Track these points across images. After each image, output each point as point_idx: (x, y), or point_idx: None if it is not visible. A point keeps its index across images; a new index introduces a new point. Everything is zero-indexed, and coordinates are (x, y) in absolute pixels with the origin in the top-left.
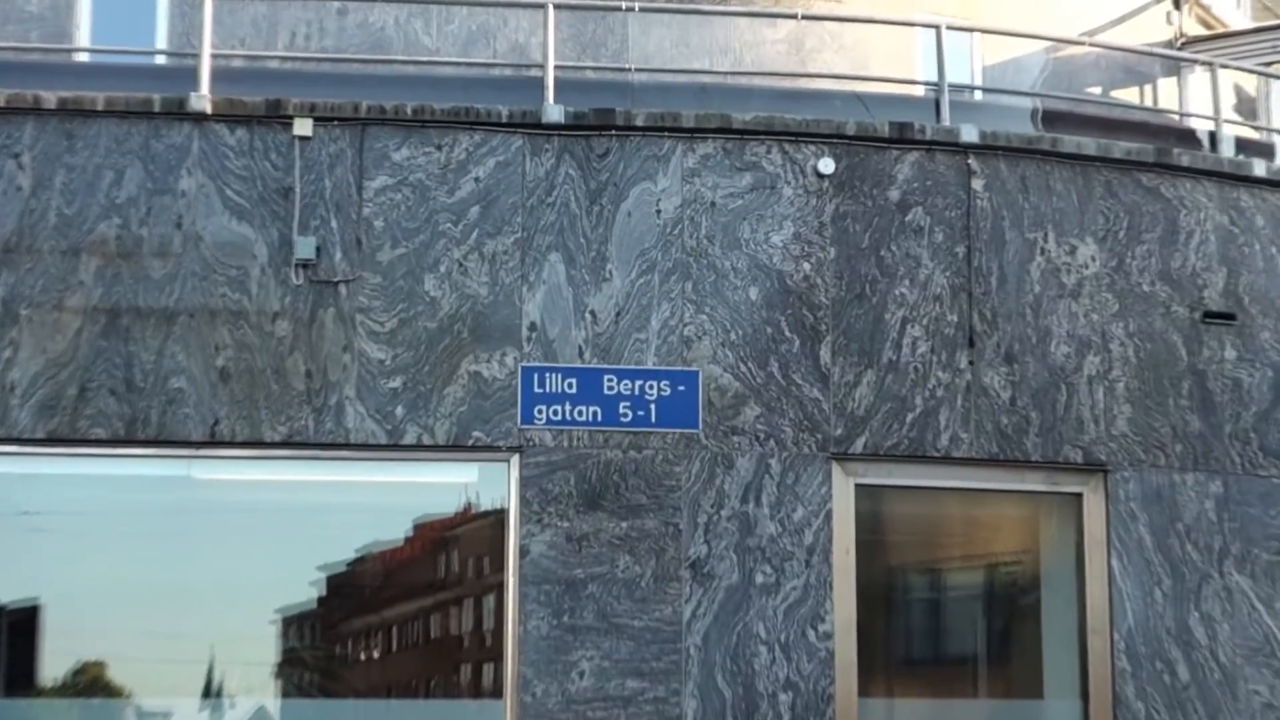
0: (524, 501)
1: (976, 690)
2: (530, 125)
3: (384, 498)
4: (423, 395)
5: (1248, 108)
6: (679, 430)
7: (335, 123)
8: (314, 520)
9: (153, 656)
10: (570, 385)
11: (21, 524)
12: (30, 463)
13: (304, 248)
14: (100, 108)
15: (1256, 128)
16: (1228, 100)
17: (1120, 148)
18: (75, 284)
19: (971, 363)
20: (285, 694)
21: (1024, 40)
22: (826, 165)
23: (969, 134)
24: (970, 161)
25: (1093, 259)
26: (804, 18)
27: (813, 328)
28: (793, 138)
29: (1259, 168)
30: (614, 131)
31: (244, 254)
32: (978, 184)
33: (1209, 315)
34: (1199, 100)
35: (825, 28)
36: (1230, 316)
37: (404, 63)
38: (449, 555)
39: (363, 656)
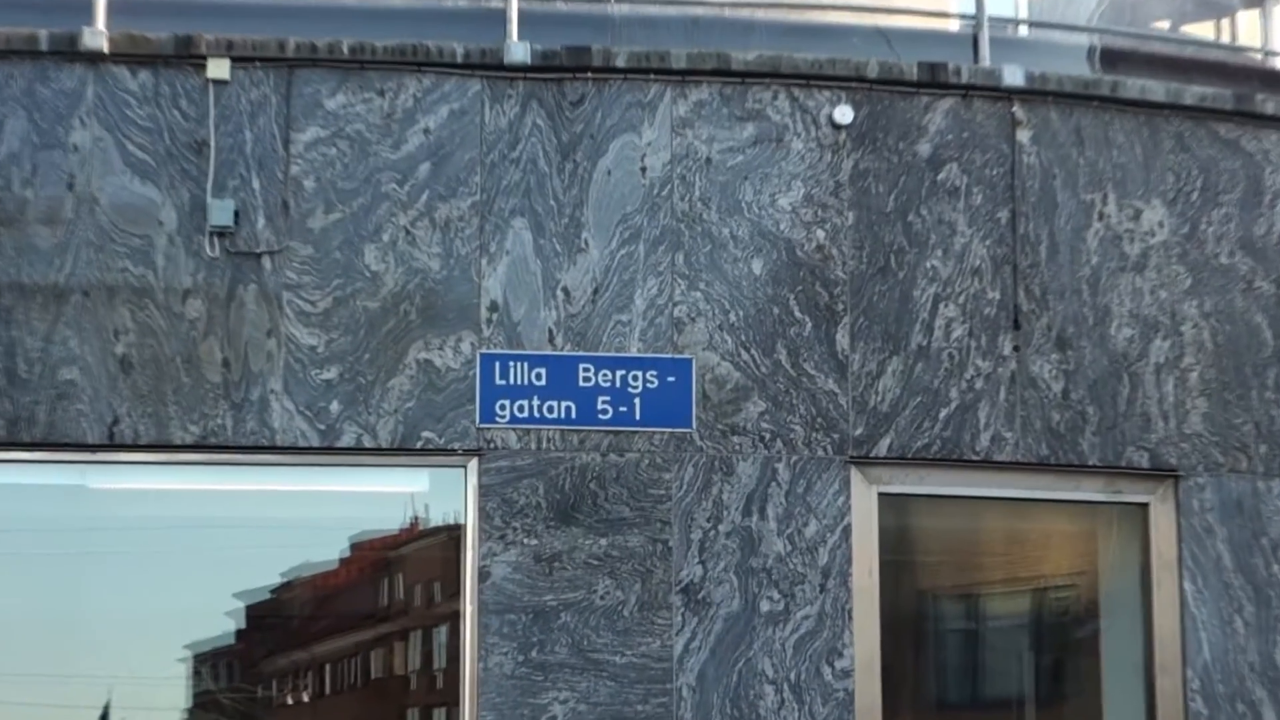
0: (484, 514)
1: None
2: (490, 66)
3: (316, 511)
4: (362, 388)
5: None
6: (668, 429)
7: (257, 64)
8: (233, 538)
9: (39, 701)
10: (539, 376)
11: None
12: None
13: (220, 213)
14: None
15: None
16: None
17: (1193, 93)
18: None
19: (1016, 348)
20: None
21: None
22: (843, 114)
23: (1013, 76)
24: (1015, 109)
25: (1160, 225)
26: None
27: (828, 307)
28: (803, 81)
29: None
30: (590, 74)
31: (148, 220)
32: (1024, 136)
33: None
34: None
35: None
36: None
37: None
38: (394, 579)
39: (290, 700)
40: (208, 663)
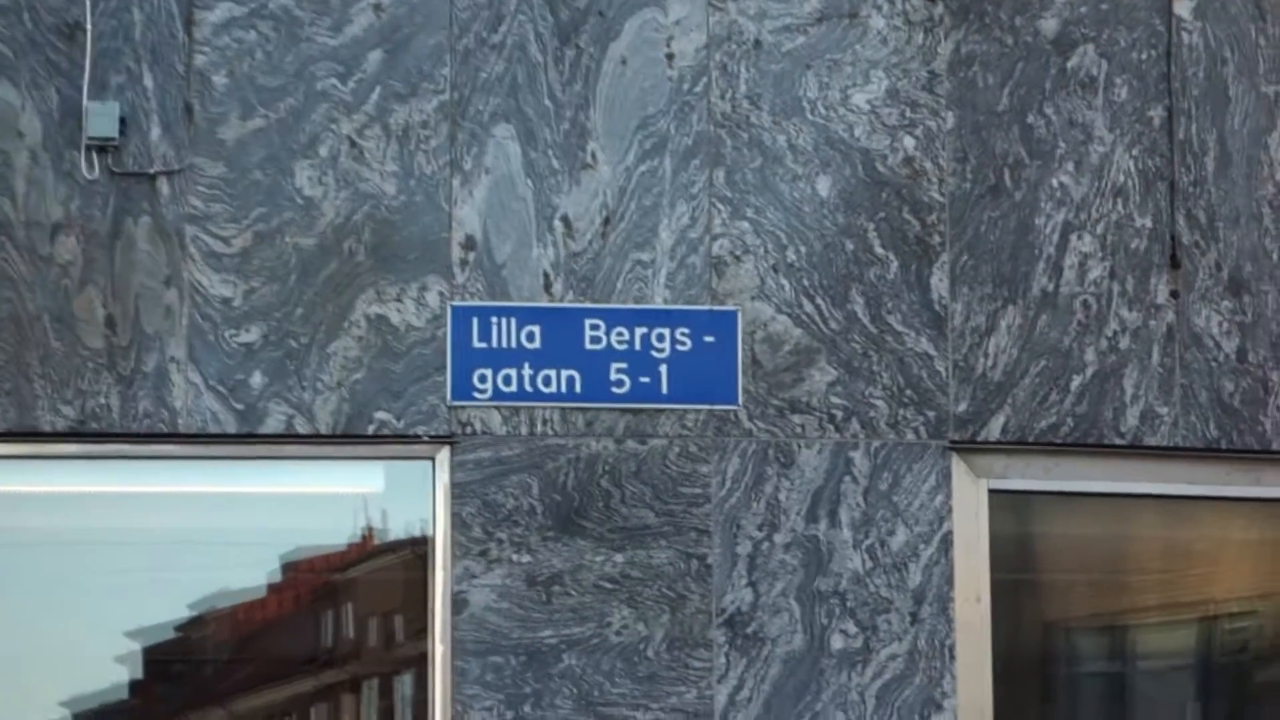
0: (458, 523)
1: None
2: None
3: (234, 520)
4: (294, 355)
5: None
6: (706, 406)
7: None
8: (123, 558)
9: None
10: (531, 336)
11: None
12: None
13: (101, 120)
14: None
15: None
16: None
17: None
18: None
19: (1175, 294)
20: None
21: None
22: None
23: None
24: None
25: None
26: None
27: (920, 241)
28: None
29: None
30: None
31: (3, 130)
32: (1183, 8)
33: None
34: None
35: None
36: None
37: None
38: (339, 611)
39: None
40: None
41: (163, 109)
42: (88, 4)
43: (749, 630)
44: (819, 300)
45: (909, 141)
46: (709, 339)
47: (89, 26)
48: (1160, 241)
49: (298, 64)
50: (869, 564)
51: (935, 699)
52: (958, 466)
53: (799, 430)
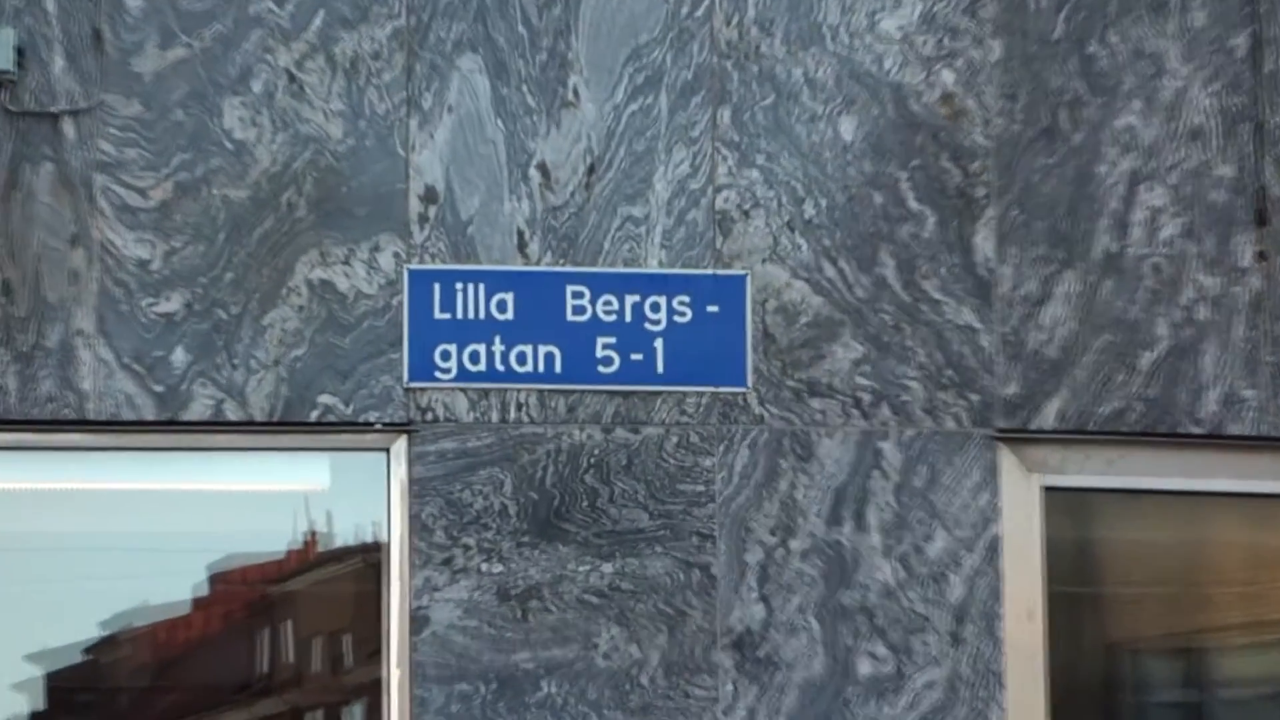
0: (418, 527)
1: None
2: None
3: (151, 523)
4: (223, 328)
5: None
6: (710, 388)
7: None
8: (24, 567)
9: None
10: (502, 305)
11: None
12: None
13: None
14: None
15: None
16: None
17: None
18: None
19: (1263, 255)
20: None
21: None
22: None
23: None
24: None
25: None
26: None
27: (961, 192)
28: None
29: None
30: None
31: None
32: None
33: None
34: None
35: None
36: None
37: None
38: (277, 631)
39: None
40: None
41: (67, 36)
42: None
43: (760, 653)
44: (842, 263)
45: (948, 75)
46: (712, 309)
47: None
48: (1244, 194)
49: None
50: (902, 575)
51: None
52: (1006, 460)
53: (819, 417)
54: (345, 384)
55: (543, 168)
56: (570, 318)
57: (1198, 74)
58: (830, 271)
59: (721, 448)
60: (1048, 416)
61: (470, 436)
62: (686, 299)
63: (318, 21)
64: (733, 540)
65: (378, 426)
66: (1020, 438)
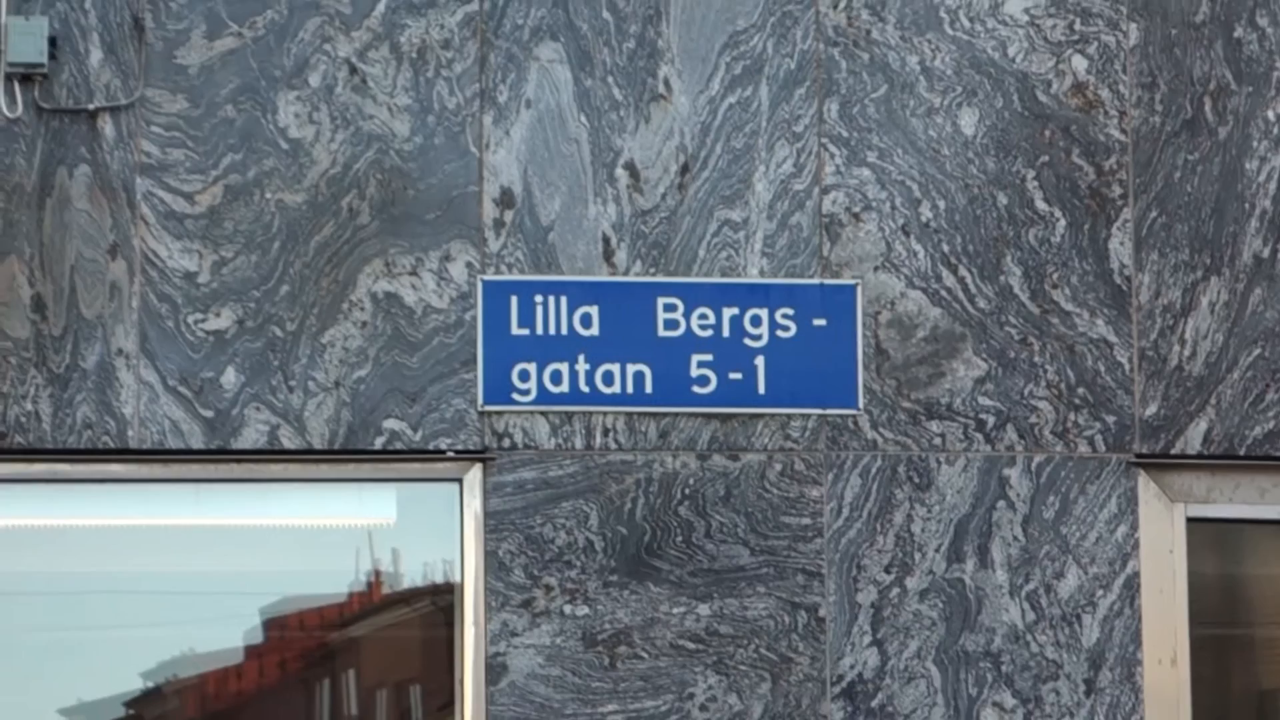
0: (494, 565)
1: None
2: None
3: (201, 563)
4: (278, 346)
5: None
6: (817, 410)
7: None
8: (55, 611)
9: None
10: (587, 320)
11: None
12: None
13: (25, 41)
14: None
15: None
16: None
17: None
18: None
19: None
20: None
21: None
22: None
23: None
24: None
25: None
26: None
27: (1095, 192)
28: None
29: None
30: None
31: None
32: None
33: None
34: None
35: None
36: None
37: None
38: (339, 680)
39: None
40: None
41: (105, 25)
42: None
43: (874, 704)
44: (963, 271)
45: (1080, 63)
46: (819, 322)
47: None
48: None
49: None
50: (1031, 616)
51: None
52: (1146, 488)
53: (938, 441)
54: (413, 408)
55: (631, 167)
56: (662, 333)
57: None
58: (950, 280)
59: (830, 476)
60: (1192, 440)
61: (552, 465)
62: (790, 312)
63: (381, 7)
64: (843, 579)
65: (449, 455)
66: (1162, 464)
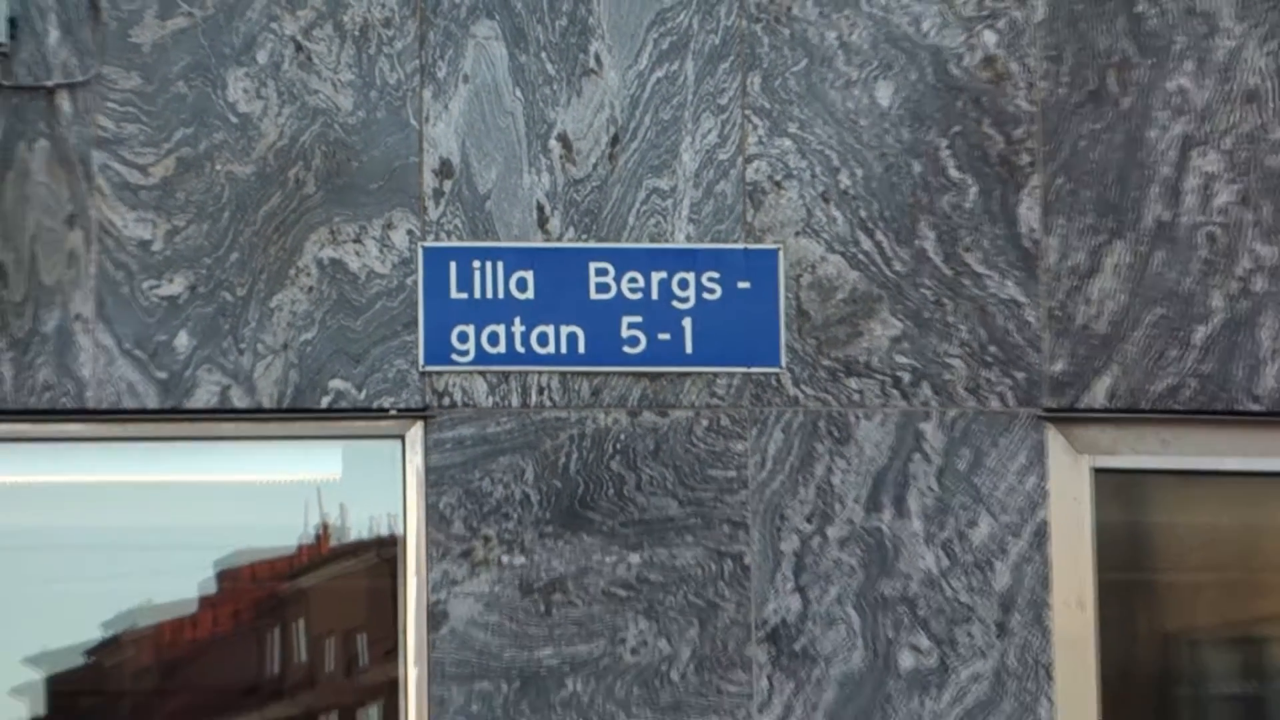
0: (435, 518)
1: None
2: None
3: (156, 517)
4: (228, 311)
5: None
6: (742, 369)
7: None
8: (16, 565)
9: None
10: (523, 284)
11: None
12: None
13: None
14: None
15: None
16: None
17: None
18: None
19: None
20: None
21: None
22: None
23: None
24: None
25: None
26: None
27: (1005, 160)
28: None
29: None
30: None
31: None
32: None
33: None
34: None
35: None
36: None
37: None
38: (288, 630)
39: None
40: None
41: (62, 6)
42: None
43: (797, 646)
44: (880, 236)
45: (990, 37)
46: (743, 285)
47: None
48: None
49: None
50: (945, 563)
51: None
52: (1054, 441)
53: (856, 398)
54: (358, 368)
55: (564, 139)
56: (594, 296)
57: (1253, 32)
58: (867, 245)
59: (754, 431)
60: (1097, 395)
61: (489, 422)
62: (716, 275)
63: None
64: (767, 528)
65: (392, 413)
66: (1069, 417)
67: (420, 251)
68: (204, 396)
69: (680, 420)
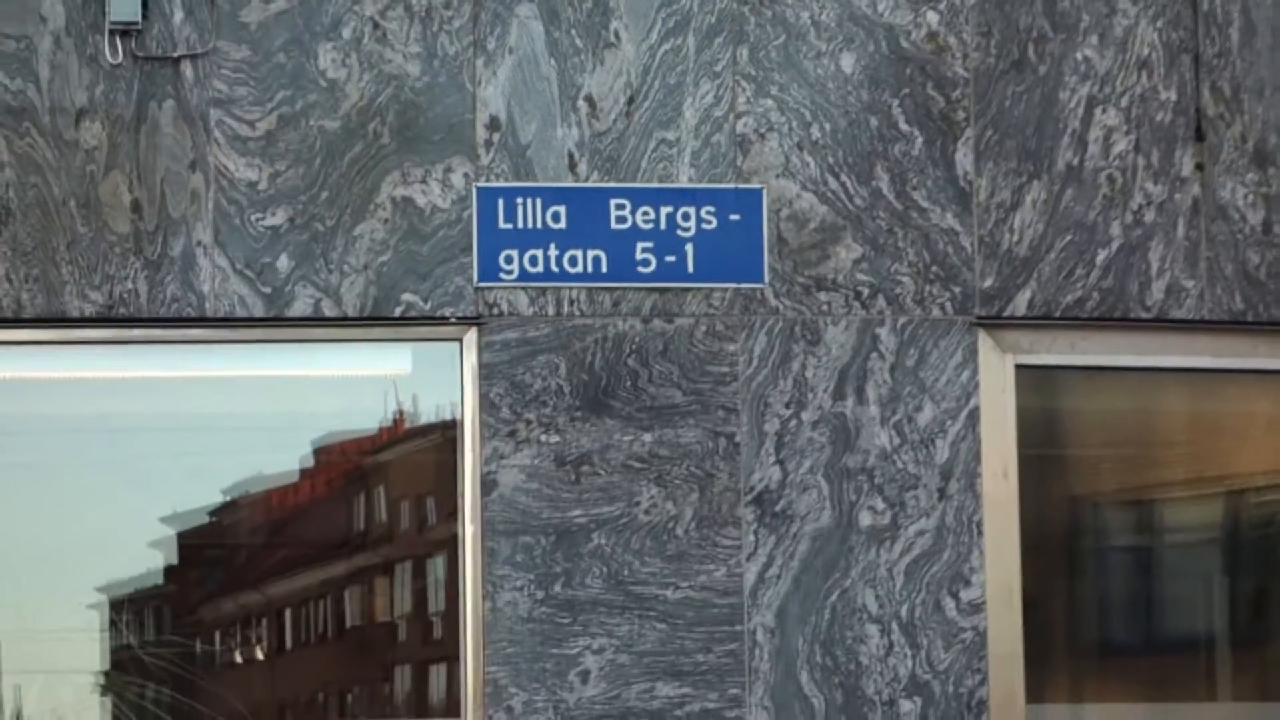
0: (487, 404)
1: (1213, 689)
2: None
3: (264, 405)
4: (320, 238)
5: None
6: (733, 285)
7: None
8: (155, 444)
9: None
10: (556, 216)
11: None
12: None
13: (124, 4)
14: None
15: None
16: None
17: None
18: None
19: (1200, 167)
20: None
21: None
22: None
23: None
24: None
25: None
26: None
27: (944, 116)
28: None
29: None
30: None
31: (26, 16)
32: None
33: None
34: None
35: None
36: None
37: None
38: (370, 495)
39: (238, 657)
40: (127, 609)
41: None
42: None
43: (777, 508)
44: (844, 177)
45: (932, 16)
46: (734, 217)
47: None
48: (1185, 115)
49: None
50: (896, 440)
51: (963, 574)
52: (984, 342)
53: (825, 308)
54: (424, 284)
55: (589, 99)
56: (614, 226)
57: (1145, 12)
58: (834, 184)
59: (743, 335)
60: (1019, 305)
61: (530, 328)
62: (712, 209)
63: None
64: (753, 413)
65: (452, 320)
66: (996, 324)
67: (474, 190)
68: (301, 307)
69: (684, 326)
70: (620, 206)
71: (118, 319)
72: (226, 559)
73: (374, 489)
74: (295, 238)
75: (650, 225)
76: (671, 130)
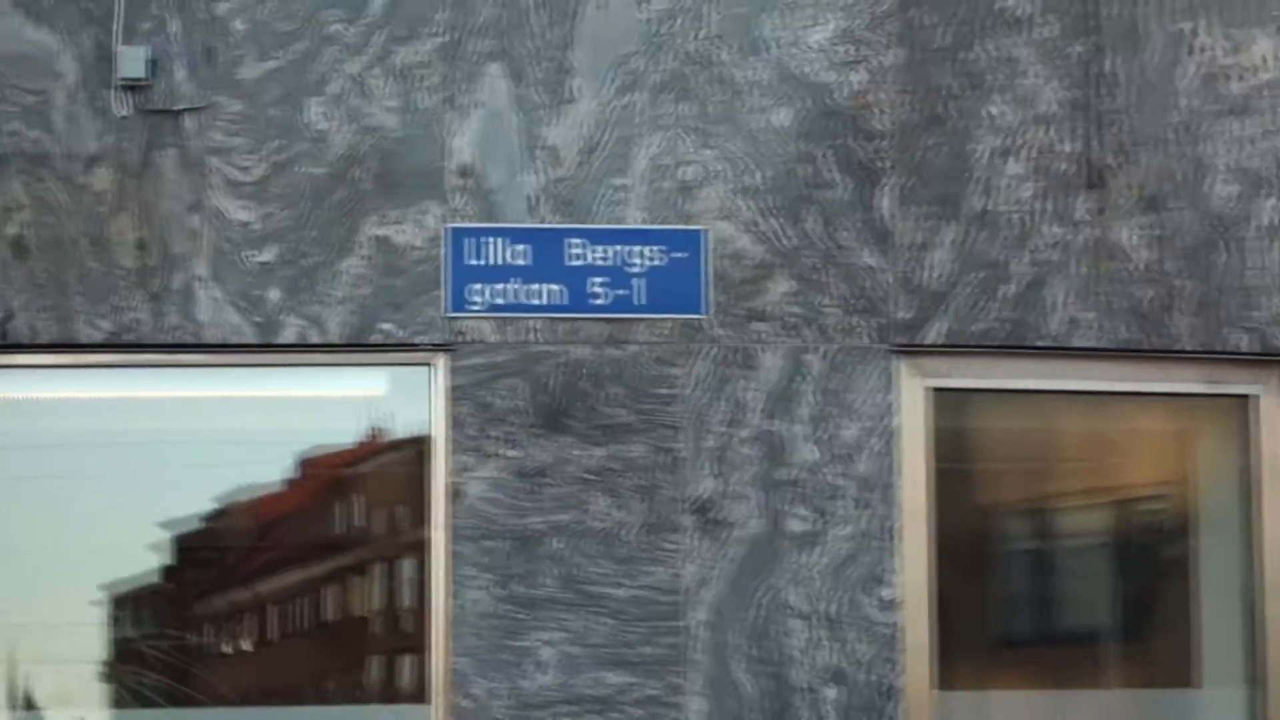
0: (455, 422)
1: (1103, 678)
2: None
3: (254, 421)
4: (306, 273)
5: None
6: (677, 316)
7: None
8: (155, 456)
9: None
10: (519, 254)
11: None
12: None
13: (131, 62)
14: None
15: None
16: None
17: None
18: None
19: (1097, 211)
20: (118, 704)
21: None
22: None
23: None
24: None
25: (1268, 59)
26: None
27: (868, 166)
28: None
29: None
30: None
31: (43, 72)
32: None
33: None
34: None
35: None
36: None
37: None
38: (349, 502)
39: (228, 648)
40: (128, 606)
41: (188, 52)
42: None
43: (715, 516)
44: (777, 219)
45: (858, 77)
46: (679, 255)
47: None
48: (1082, 165)
49: (308, 10)
50: (822, 455)
51: (880, 576)
52: (901, 368)
53: (759, 336)
54: (399, 314)
55: (550, 149)
56: (571, 263)
57: (1048, 73)
58: (768, 226)
59: (686, 361)
60: (933, 335)
61: (495, 354)
62: (660, 248)
63: (379, 39)
64: (694, 431)
65: (425, 347)
66: (912, 351)
67: (446, 231)
68: (288, 334)
69: (633, 353)
70: (577, 245)
71: (124, 345)
72: (219, 560)
73: (352, 498)
74: (284, 272)
75: (604, 262)
76: (623, 177)
